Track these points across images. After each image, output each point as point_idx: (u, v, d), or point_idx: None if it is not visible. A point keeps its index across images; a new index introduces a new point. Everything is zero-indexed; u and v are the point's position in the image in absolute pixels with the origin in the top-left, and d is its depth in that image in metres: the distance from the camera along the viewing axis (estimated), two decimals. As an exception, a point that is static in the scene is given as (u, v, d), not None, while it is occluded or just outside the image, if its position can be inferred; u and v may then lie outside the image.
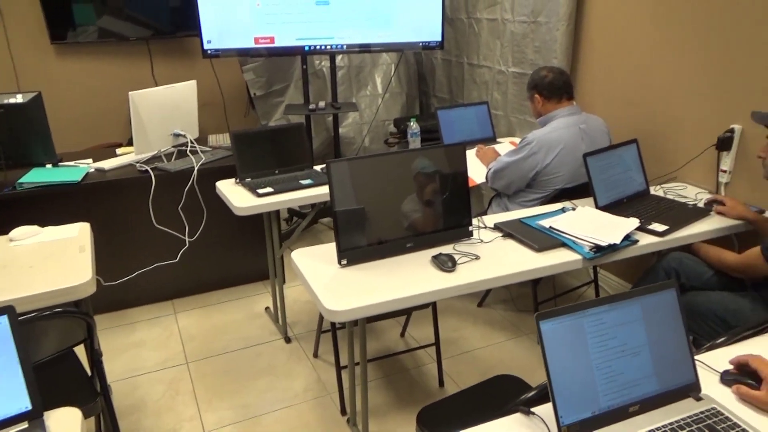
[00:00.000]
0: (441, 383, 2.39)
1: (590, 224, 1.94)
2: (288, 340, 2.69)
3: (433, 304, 2.31)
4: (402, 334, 2.72)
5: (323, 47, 3.29)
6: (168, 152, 2.91)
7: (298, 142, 2.62)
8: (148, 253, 2.89)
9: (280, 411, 2.24)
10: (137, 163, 2.78)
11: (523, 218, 2.03)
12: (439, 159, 1.85)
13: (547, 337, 1.04)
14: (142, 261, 2.89)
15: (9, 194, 2.44)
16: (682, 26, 2.38)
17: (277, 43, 3.21)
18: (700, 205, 2.21)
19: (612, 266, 2.91)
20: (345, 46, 3.32)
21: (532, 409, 1.10)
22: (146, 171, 2.70)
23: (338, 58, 3.76)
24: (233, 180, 2.49)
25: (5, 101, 2.39)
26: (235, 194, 2.35)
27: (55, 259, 1.75)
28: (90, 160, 2.81)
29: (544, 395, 1.08)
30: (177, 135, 2.94)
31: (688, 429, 1.05)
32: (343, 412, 2.23)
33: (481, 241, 1.91)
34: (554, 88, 2.44)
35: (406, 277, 1.67)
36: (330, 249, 1.78)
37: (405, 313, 2.61)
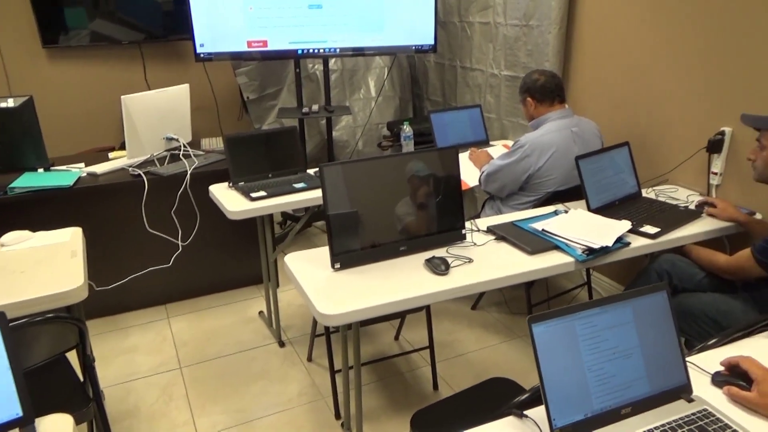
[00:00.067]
0: (435, 386, 2.39)
1: (582, 227, 1.95)
2: (282, 344, 2.68)
3: (427, 308, 2.32)
4: (396, 338, 2.72)
5: (316, 51, 3.28)
6: (161, 156, 2.90)
7: (292, 145, 2.62)
8: (141, 257, 2.87)
9: (274, 415, 2.24)
10: (130, 167, 2.77)
11: (515, 221, 2.04)
12: (432, 162, 1.86)
13: (539, 340, 1.04)
14: (134, 265, 2.87)
15: (0, 199, 2.43)
16: (673, 30, 2.40)
17: (270, 47, 3.20)
18: (692, 207, 2.22)
19: (605, 268, 2.92)
20: (338, 50, 3.32)
21: (525, 412, 1.10)
22: (139, 175, 2.69)
23: (331, 61, 3.76)
24: (226, 184, 2.48)
25: (-4, 105, 2.39)
26: (229, 198, 2.35)
27: (46, 264, 1.74)
28: (82, 165, 2.80)
29: (537, 398, 1.09)
30: (170, 139, 2.93)
31: (680, 430, 1.05)
32: (338, 416, 2.22)
33: (474, 244, 1.91)
34: (546, 91, 2.46)
35: (399, 281, 1.67)
36: (323, 252, 1.78)
37: (399, 317, 2.61)
